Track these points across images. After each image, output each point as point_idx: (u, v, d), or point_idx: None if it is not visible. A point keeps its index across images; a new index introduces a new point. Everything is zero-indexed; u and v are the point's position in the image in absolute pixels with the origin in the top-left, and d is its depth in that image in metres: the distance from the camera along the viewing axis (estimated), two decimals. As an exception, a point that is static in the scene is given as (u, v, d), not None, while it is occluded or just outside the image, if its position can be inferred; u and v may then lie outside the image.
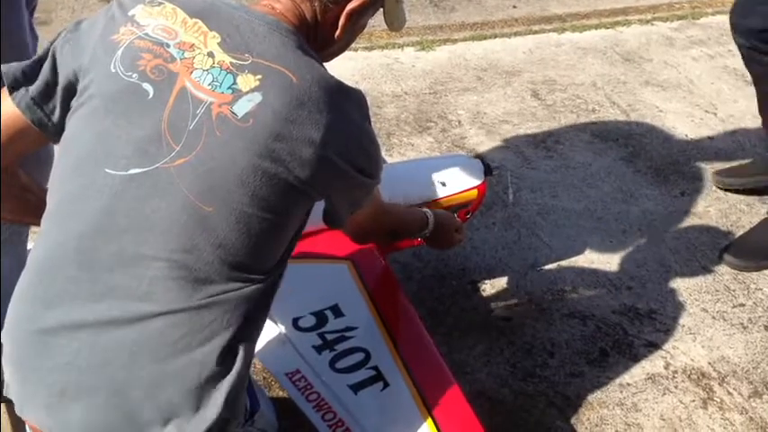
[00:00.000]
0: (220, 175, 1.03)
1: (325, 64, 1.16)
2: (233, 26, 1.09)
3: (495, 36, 3.98)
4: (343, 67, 3.42)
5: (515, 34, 4.01)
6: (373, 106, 3.17)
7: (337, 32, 1.22)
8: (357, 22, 1.24)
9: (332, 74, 1.13)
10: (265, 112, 1.04)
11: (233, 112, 1.03)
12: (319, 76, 1.09)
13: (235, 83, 1.05)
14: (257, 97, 1.04)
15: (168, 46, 1.07)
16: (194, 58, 1.07)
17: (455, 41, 3.91)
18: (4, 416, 1.70)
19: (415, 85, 3.44)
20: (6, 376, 1.08)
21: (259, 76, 1.05)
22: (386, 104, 3.27)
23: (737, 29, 2.43)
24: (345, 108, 1.11)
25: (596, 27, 4.13)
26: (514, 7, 4.41)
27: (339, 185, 1.16)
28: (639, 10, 4.36)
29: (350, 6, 1.20)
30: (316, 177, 1.08)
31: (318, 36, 1.21)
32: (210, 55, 1.07)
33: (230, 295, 1.06)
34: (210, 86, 1.05)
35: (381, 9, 1.28)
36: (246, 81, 1.05)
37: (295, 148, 1.04)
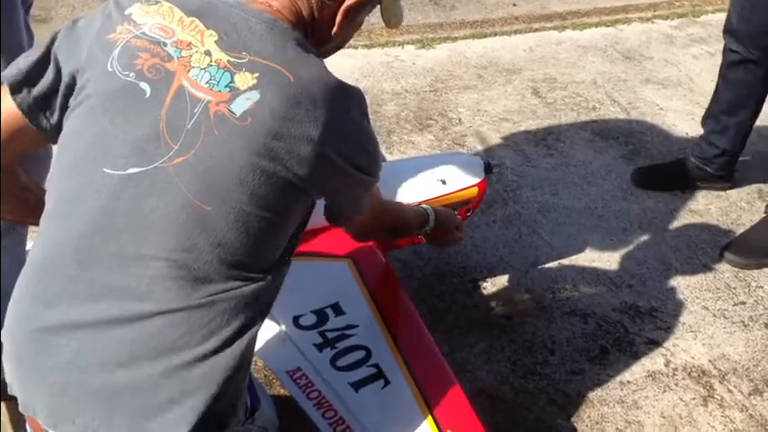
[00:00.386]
0: (219, 174, 1.02)
1: (323, 61, 1.16)
2: (230, 24, 1.08)
3: (496, 34, 3.98)
4: (344, 65, 3.42)
5: (516, 32, 4.01)
6: (374, 104, 3.17)
7: (334, 29, 1.22)
8: (354, 19, 1.24)
9: (331, 71, 1.13)
10: (263, 110, 1.03)
11: (231, 111, 1.03)
12: (317, 73, 1.09)
13: (232, 81, 1.04)
14: (255, 95, 1.03)
15: (165, 45, 1.07)
16: (191, 56, 1.06)
17: (455, 39, 3.91)
18: (5, 415, 1.70)
19: (416, 83, 3.44)
20: (7, 375, 1.08)
21: (256, 75, 1.05)
22: (386, 102, 3.26)
23: (736, 35, 2.44)
24: (344, 106, 1.11)
25: (597, 25, 4.13)
26: (515, 5, 4.41)
27: (338, 183, 1.16)
28: (640, 8, 4.36)
29: (347, 3, 1.19)
30: (314, 175, 1.08)
31: (316, 33, 1.20)
32: (208, 53, 1.06)
33: (229, 294, 1.05)
34: (208, 85, 1.04)
35: (379, 6, 1.28)
36: (244, 79, 1.04)
37: (293, 147, 1.04)
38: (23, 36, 1.52)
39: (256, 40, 1.08)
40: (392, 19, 1.32)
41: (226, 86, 1.04)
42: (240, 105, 1.03)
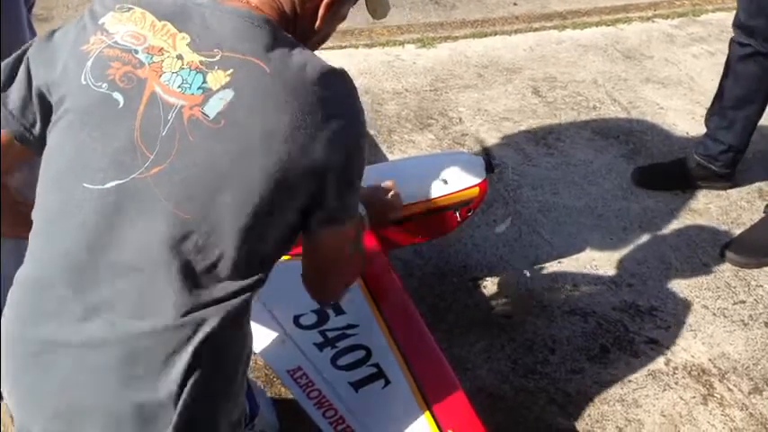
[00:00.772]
0: (197, 182, 1.00)
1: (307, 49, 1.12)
2: (203, 25, 1.06)
3: (496, 33, 3.98)
4: (344, 64, 3.39)
5: (516, 31, 4.01)
6: (374, 103, 3.17)
7: (317, 23, 1.18)
8: (337, 12, 1.20)
9: (315, 56, 1.09)
10: (238, 109, 1.00)
11: (204, 114, 1.00)
12: (296, 62, 1.05)
13: (205, 82, 1.01)
14: (228, 94, 1.01)
15: (137, 52, 1.04)
16: (163, 61, 1.04)
17: (456, 39, 3.91)
18: (5, 416, 1.70)
19: (416, 83, 3.44)
20: (5, 395, 1.07)
21: (230, 71, 1.02)
22: (387, 101, 3.27)
23: (747, 29, 2.45)
24: (327, 94, 1.05)
25: (597, 24, 4.13)
26: (515, 4, 4.41)
27: (325, 180, 1.07)
28: (640, 7, 4.36)
29: None
30: (299, 175, 1.03)
31: (298, 28, 1.16)
32: (180, 57, 1.04)
33: (219, 306, 1.03)
34: (180, 89, 1.02)
35: None
36: (216, 78, 1.01)
37: (273, 146, 1.00)
38: (26, 34, 1.53)
39: (229, 35, 1.05)
40: (378, 10, 1.30)
41: (198, 89, 1.01)
42: (213, 107, 1.00)
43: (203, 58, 1.03)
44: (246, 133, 1.00)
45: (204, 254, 1.01)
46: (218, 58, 1.03)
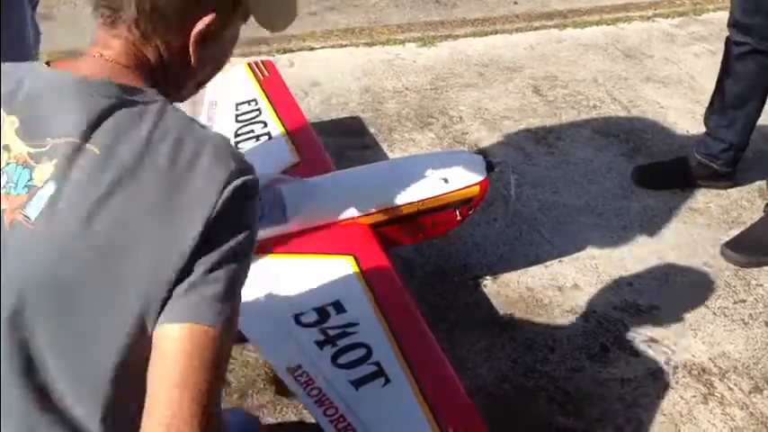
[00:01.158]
0: (24, 296, 0.86)
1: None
2: (34, 102, 0.91)
3: (497, 32, 3.98)
4: (344, 64, 3.42)
5: (516, 30, 4.00)
6: (375, 102, 3.17)
7: (192, 61, 1.01)
8: (215, 45, 1.02)
9: (178, 116, 0.94)
10: (57, 207, 0.86)
11: (26, 216, 0.86)
12: (142, 132, 0.89)
13: (31, 179, 0.87)
14: (50, 189, 0.86)
15: None
16: None
17: (456, 37, 3.90)
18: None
19: (417, 81, 3.44)
20: None
21: (54, 161, 0.86)
22: (387, 100, 3.26)
23: (743, 28, 2.45)
24: (181, 165, 0.89)
25: (597, 23, 4.12)
26: (515, 3, 4.40)
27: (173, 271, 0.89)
28: (640, 6, 4.35)
29: (196, 30, 0.97)
30: (137, 269, 0.87)
31: (169, 73, 1.00)
32: (6, 149, 0.89)
33: None
34: (5, 189, 0.88)
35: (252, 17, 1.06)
36: (43, 172, 0.87)
37: (99, 239, 0.86)
38: (28, 31, 1.54)
39: (58, 115, 0.89)
40: (276, 23, 1.11)
41: (24, 187, 0.87)
42: (36, 206, 0.86)
43: (32, 149, 0.88)
44: (65, 232, 0.86)
45: (43, 382, 0.89)
46: (47, 147, 0.88)
